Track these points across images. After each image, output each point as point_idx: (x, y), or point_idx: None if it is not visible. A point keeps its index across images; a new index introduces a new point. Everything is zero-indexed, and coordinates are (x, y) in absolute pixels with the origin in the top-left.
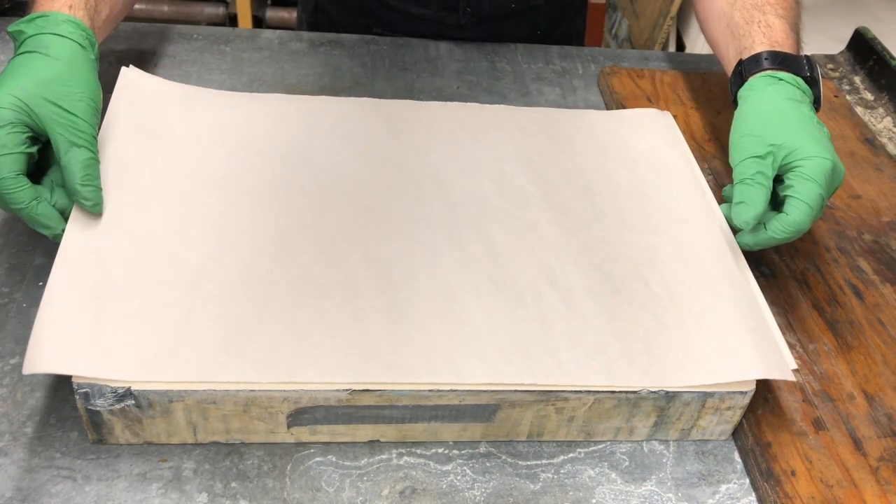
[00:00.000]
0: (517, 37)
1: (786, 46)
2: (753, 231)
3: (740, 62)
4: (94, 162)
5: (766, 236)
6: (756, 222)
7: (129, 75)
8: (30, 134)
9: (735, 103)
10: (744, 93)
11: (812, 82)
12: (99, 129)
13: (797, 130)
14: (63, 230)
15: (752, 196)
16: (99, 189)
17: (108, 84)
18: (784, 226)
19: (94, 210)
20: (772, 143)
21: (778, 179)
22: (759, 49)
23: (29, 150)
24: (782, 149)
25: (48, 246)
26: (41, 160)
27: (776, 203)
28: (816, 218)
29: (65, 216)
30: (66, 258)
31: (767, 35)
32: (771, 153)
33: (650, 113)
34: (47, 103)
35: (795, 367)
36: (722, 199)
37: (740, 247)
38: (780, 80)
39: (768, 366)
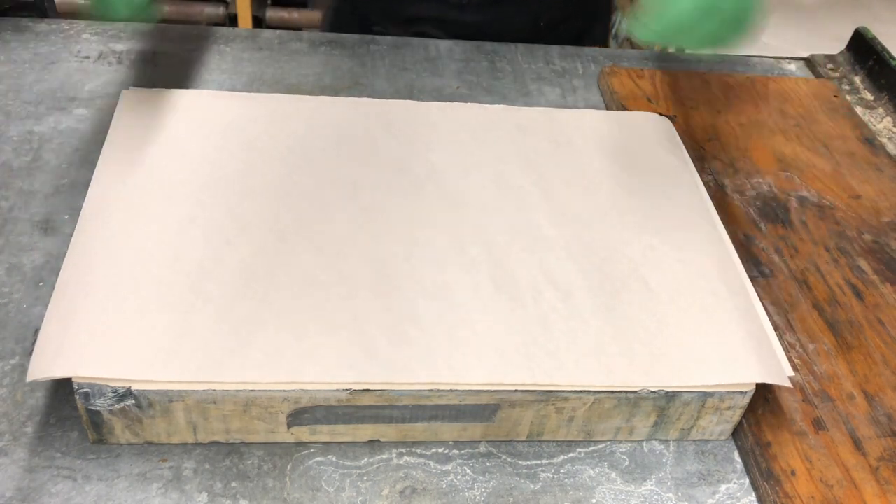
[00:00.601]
0: (520, 25)
1: None
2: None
3: None
4: None
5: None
6: None
7: (130, 95)
8: None
9: None
10: None
11: None
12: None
13: None
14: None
15: None
16: None
17: (107, 84)
18: None
19: None
20: None
21: None
22: None
23: None
24: None
25: (48, 246)
26: None
27: None
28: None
29: None
30: (72, 262)
31: None
32: None
33: (650, 116)
34: None
35: (792, 373)
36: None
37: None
38: None
39: (767, 370)
